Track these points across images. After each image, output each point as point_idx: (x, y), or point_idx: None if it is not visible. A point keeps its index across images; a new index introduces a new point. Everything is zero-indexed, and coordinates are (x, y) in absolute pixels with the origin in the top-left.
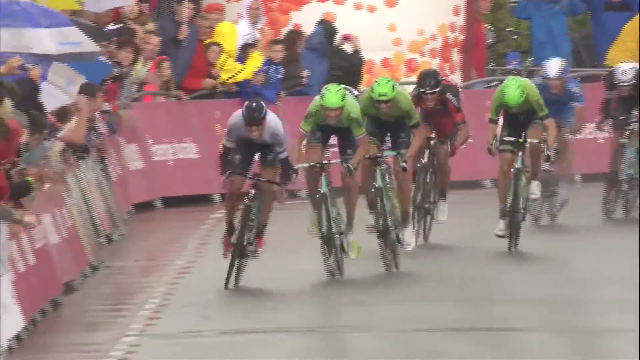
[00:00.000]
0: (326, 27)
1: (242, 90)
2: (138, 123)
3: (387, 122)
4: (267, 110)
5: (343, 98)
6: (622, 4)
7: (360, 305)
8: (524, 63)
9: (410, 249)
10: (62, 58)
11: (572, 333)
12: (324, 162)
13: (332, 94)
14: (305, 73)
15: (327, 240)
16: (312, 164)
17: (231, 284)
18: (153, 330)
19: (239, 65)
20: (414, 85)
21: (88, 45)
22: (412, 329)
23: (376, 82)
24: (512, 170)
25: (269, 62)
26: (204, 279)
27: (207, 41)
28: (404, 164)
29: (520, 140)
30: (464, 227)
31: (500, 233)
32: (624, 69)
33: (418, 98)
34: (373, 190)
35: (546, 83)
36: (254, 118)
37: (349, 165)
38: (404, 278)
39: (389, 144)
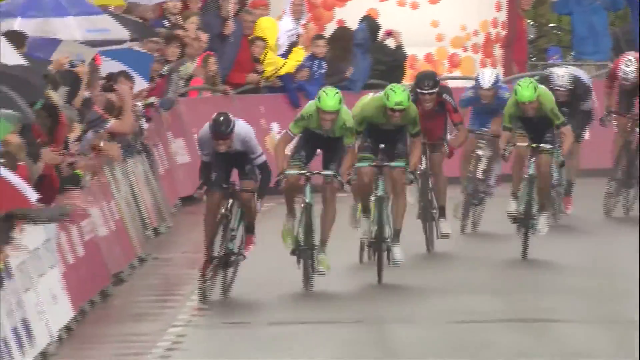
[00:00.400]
0: (370, 24)
1: (286, 86)
2: (184, 117)
3: (384, 131)
4: (236, 120)
5: (340, 102)
6: None
7: (404, 297)
8: (565, 58)
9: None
10: (90, 45)
11: (616, 324)
12: (313, 172)
13: (330, 97)
14: (349, 70)
15: (302, 252)
16: (302, 172)
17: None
18: (200, 321)
19: (280, 59)
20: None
21: (116, 32)
22: (458, 320)
23: (392, 89)
24: (526, 176)
25: (312, 57)
26: (250, 270)
27: (252, 37)
28: (412, 176)
29: (534, 145)
30: (504, 218)
31: (511, 210)
32: (561, 74)
33: (415, 100)
34: (373, 199)
35: (477, 94)
36: (221, 132)
37: (341, 180)
38: (446, 270)
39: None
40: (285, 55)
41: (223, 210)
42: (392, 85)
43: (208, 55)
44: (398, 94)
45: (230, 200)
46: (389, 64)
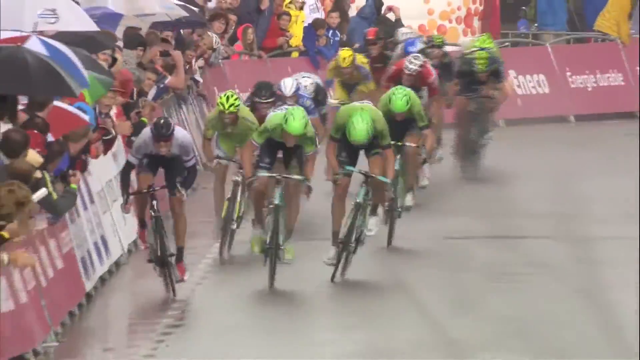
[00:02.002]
0: (375, 1)
1: (308, 50)
2: (228, 76)
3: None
4: (175, 125)
5: (306, 125)
6: None
7: (401, 220)
8: (530, 28)
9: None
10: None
11: (574, 240)
12: (284, 175)
13: (296, 121)
14: (356, 45)
15: (268, 251)
16: (274, 175)
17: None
18: (239, 237)
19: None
20: None
21: (177, 9)
22: (445, 237)
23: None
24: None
25: (329, 27)
26: None
27: (280, 11)
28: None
29: (400, 143)
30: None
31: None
32: (288, 85)
33: (253, 107)
34: (353, 204)
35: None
36: (163, 135)
37: (309, 185)
38: (433, 194)
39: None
40: (309, 26)
41: (153, 213)
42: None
43: (247, 26)
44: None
45: (155, 202)
46: (390, 33)
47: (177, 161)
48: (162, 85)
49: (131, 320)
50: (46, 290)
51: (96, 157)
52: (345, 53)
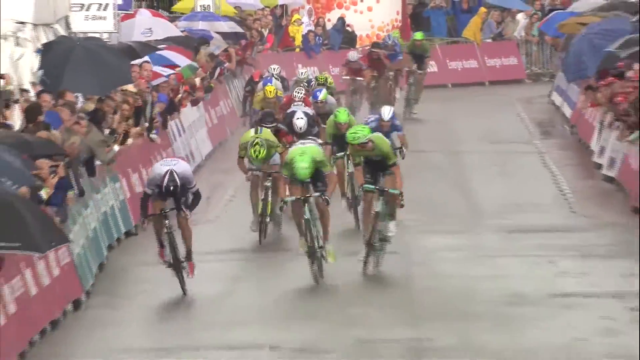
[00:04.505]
0: (342, 20)
1: (305, 47)
2: (259, 63)
3: (373, 162)
4: (177, 162)
5: (309, 167)
6: (469, 9)
7: None
8: (426, 35)
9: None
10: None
11: (451, 153)
12: (307, 195)
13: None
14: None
15: (311, 253)
16: (298, 197)
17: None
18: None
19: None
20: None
21: (237, 27)
22: None
23: (354, 131)
24: (373, 213)
25: (316, 34)
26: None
27: (290, 25)
28: (403, 203)
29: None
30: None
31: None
32: (300, 117)
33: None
34: (373, 214)
35: (378, 125)
36: (170, 192)
37: (327, 198)
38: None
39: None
40: (306, 36)
41: (166, 230)
42: (354, 127)
43: (271, 34)
44: (352, 132)
45: (167, 221)
46: (348, 38)
47: (182, 189)
48: (223, 67)
49: (204, 195)
50: None
51: (185, 107)
52: (270, 87)
